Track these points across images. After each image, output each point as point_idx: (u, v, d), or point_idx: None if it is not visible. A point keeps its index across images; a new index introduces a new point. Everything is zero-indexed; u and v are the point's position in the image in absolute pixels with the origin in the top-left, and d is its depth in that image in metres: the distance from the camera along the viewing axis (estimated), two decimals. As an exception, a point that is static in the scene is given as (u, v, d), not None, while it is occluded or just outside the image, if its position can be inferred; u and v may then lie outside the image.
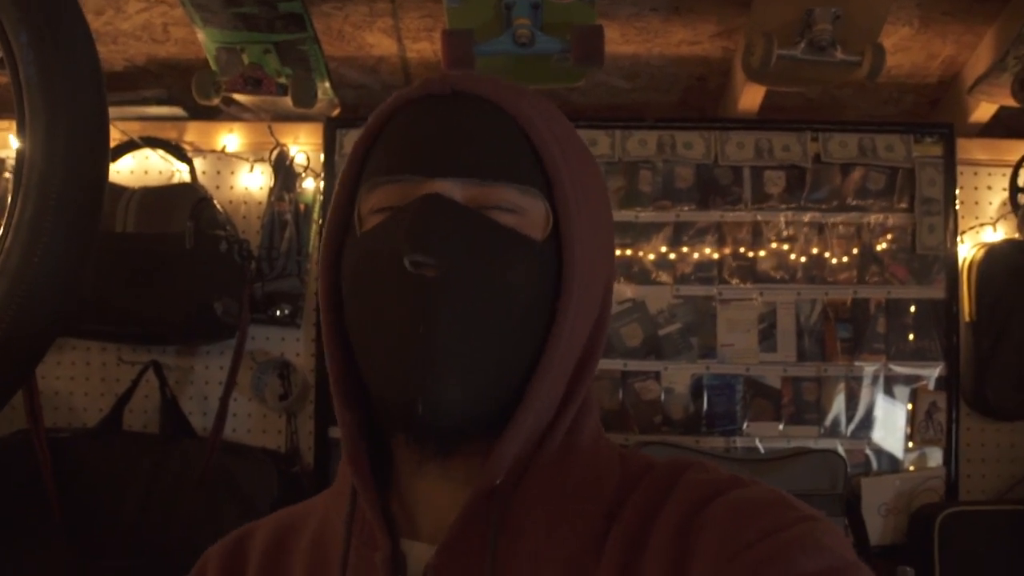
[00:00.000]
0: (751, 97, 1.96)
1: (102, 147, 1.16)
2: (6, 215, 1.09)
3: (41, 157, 1.08)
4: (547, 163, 0.55)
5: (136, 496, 1.65)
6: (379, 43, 1.99)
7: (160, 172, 1.99)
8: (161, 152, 1.94)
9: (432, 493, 0.57)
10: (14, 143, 1.85)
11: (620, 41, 1.95)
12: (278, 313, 1.79)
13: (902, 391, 1.93)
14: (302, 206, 1.88)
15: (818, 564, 0.46)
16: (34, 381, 1.45)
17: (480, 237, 0.53)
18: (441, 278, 0.51)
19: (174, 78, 2.06)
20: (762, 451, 1.90)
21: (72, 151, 1.10)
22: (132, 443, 1.74)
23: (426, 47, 2.00)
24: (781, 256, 1.95)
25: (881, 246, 1.96)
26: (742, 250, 1.96)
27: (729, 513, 0.51)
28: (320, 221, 1.94)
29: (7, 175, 1.82)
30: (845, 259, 1.96)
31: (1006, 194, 2.00)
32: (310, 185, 1.94)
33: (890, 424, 1.93)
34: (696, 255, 1.95)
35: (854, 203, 1.96)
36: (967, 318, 1.96)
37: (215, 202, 1.83)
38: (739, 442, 1.91)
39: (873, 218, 1.96)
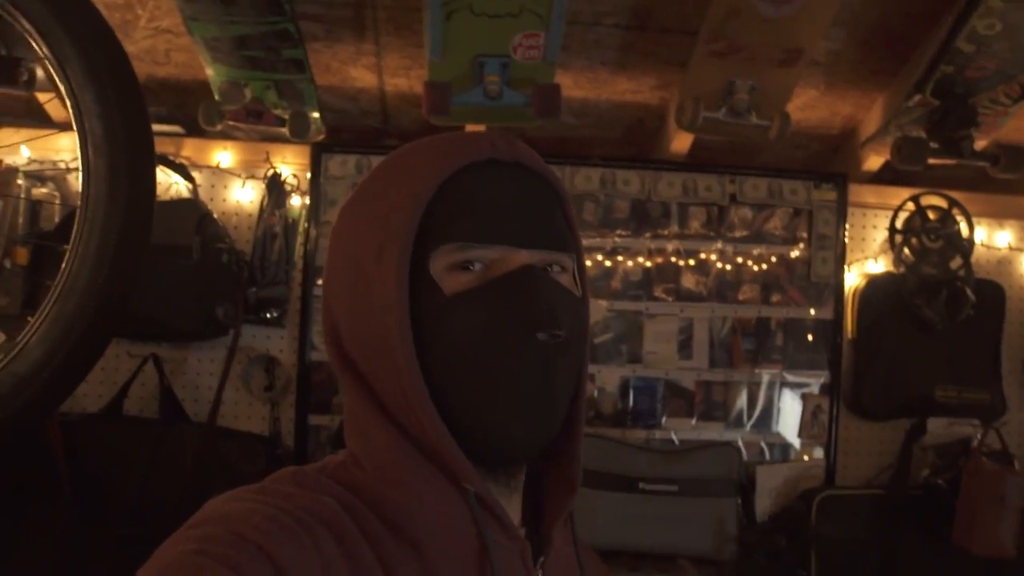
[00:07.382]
0: (682, 141, 2.26)
1: (152, 184, 1.39)
2: (71, 244, 1.32)
3: (105, 196, 1.31)
4: (573, 227, 0.66)
5: (139, 473, 1.85)
6: (361, 77, 2.22)
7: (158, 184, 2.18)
8: (160, 167, 2.13)
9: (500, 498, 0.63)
10: (25, 152, 2.06)
11: (573, 87, 2.23)
12: (268, 316, 2.01)
13: (793, 395, 2.29)
14: (290, 220, 2.11)
15: None
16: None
17: (568, 304, 0.62)
18: (562, 343, 0.60)
19: (171, 96, 2.25)
20: (676, 443, 2.22)
21: (130, 191, 1.33)
22: (134, 426, 1.94)
23: (403, 82, 2.25)
24: (699, 279, 2.27)
25: (782, 274, 2.30)
26: (667, 273, 2.27)
27: None
28: (306, 230, 2.13)
29: (20, 181, 2.00)
30: (752, 283, 2.29)
31: (887, 233, 2.35)
32: (297, 202, 2.16)
33: (782, 422, 2.28)
34: (629, 276, 2.26)
35: (762, 237, 2.29)
36: (849, 336, 2.32)
37: (214, 217, 2.03)
38: (658, 434, 2.22)
39: (777, 250, 2.29)
